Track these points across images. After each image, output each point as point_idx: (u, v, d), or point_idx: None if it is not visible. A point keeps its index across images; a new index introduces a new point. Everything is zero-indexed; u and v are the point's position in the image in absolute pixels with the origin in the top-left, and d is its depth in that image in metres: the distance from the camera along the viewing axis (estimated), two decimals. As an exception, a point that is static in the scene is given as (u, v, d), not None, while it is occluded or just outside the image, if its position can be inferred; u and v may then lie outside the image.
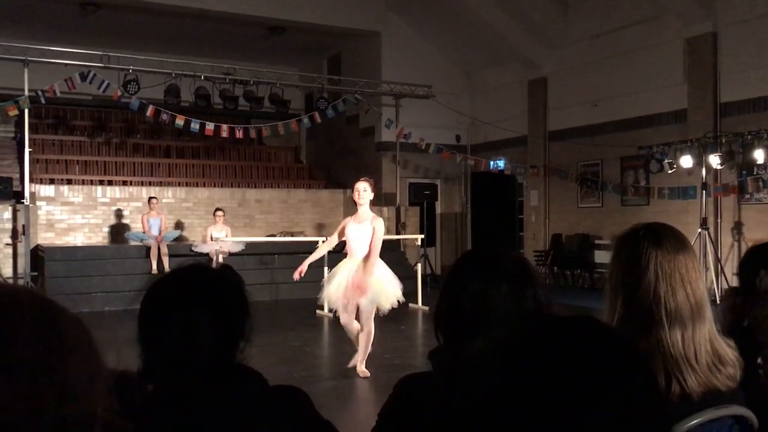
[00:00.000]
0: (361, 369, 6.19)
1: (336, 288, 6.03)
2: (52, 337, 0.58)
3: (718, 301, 10.28)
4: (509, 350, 0.65)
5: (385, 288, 6.04)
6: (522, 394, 0.61)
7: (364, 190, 6.00)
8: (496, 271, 1.49)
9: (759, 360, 1.65)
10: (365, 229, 5.99)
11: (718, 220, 11.33)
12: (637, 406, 0.62)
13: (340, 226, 6.28)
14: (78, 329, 0.63)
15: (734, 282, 10.84)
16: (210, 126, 12.98)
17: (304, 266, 6.19)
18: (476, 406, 0.63)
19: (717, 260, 10.94)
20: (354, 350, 6.37)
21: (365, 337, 6.08)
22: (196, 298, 1.47)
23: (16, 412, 0.52)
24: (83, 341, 0.62)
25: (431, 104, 14.91)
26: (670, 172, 11.15)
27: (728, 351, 1.57)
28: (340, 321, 6.22)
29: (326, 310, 9.20)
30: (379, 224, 5.99)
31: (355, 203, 6.11)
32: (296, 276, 6.25)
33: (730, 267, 11.11)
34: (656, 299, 1.56)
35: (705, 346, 1.55)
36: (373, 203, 6.35)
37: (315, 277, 7.18)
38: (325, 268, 8.38)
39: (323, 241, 7.38)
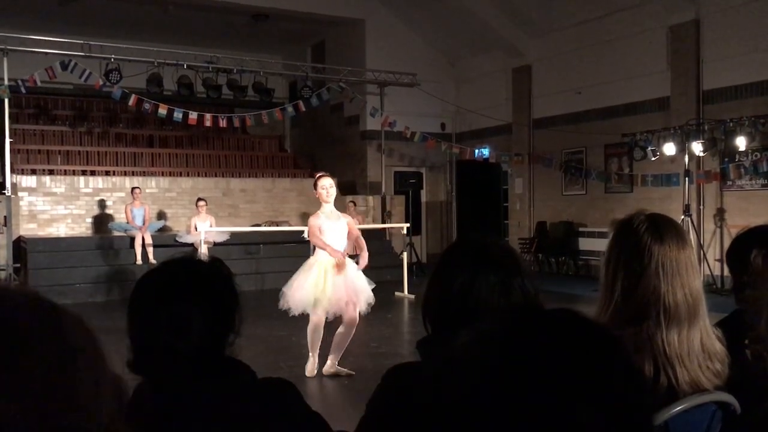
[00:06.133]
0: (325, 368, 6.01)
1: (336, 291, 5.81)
2: (57, 344, 0.56)
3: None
4: (490, 344, 0.65)
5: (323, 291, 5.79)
6: (504, 389, 0.61)
7: (331, 187, 5.90)
8: (484, 261, 1.49)
9: (746, 341, 1.67)
10: (341, 226, 5.95)
11: (701, 207, 11.44)
12: (625, 401, 0.62)
13: (315, 228, 5.85)
14: (82, 332, 0.61)
15: (716, 268, 10.99)
16: (193, 115, 12.88)
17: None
18: (460, 400, 0.64)
19: (699, 246, 11.05)
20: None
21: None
22: (186, 289, 1.47)
23: (18, 424, 0.51)
24: (88, 345, 0.60)
25: (416, 92, 14.88)
26: (653, 159, 11.23)
27: (717, 346, 1.59)
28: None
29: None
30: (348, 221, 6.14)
31: (319, 200, 5.94)
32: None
33: (713, 253, 11.23)
34: (655, 297, 1.56)
35: (697, 344, 1.56)
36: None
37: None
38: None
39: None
